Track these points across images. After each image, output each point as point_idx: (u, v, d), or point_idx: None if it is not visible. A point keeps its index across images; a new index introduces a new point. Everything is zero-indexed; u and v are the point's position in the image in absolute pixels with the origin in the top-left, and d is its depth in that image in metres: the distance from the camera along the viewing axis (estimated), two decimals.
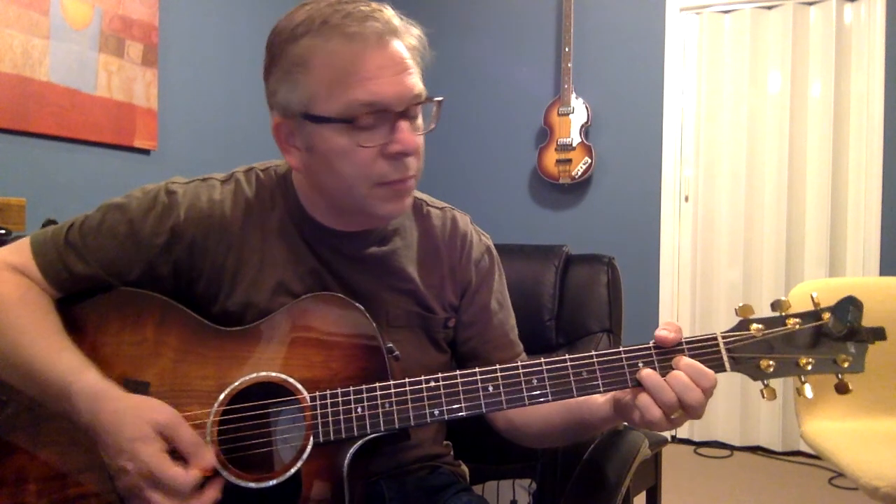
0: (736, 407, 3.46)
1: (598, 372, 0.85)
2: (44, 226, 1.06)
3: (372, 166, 0.89)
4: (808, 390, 0.84)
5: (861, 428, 1.76)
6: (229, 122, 3.22)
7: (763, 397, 0.84)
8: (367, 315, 0.91)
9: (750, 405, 3.45)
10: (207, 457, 0.83)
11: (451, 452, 1.17)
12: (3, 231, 1.90)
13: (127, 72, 2.70)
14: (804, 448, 3.26)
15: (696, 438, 3.56)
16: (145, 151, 2.83)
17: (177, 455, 0.82)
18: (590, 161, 3.65)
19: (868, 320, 0.83)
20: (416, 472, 1.08)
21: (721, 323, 3.56)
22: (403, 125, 0.88)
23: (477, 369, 0.86)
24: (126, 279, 0.96)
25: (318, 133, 0.89)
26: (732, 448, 3.49)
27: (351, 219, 0.99)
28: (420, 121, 0.93)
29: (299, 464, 0.85)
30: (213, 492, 0.83)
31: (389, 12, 0.91)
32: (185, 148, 3.00)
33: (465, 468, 1.18)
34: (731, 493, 2.96)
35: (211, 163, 2.51)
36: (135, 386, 0.89)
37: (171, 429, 0.82)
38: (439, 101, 0.93)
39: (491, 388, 0.85)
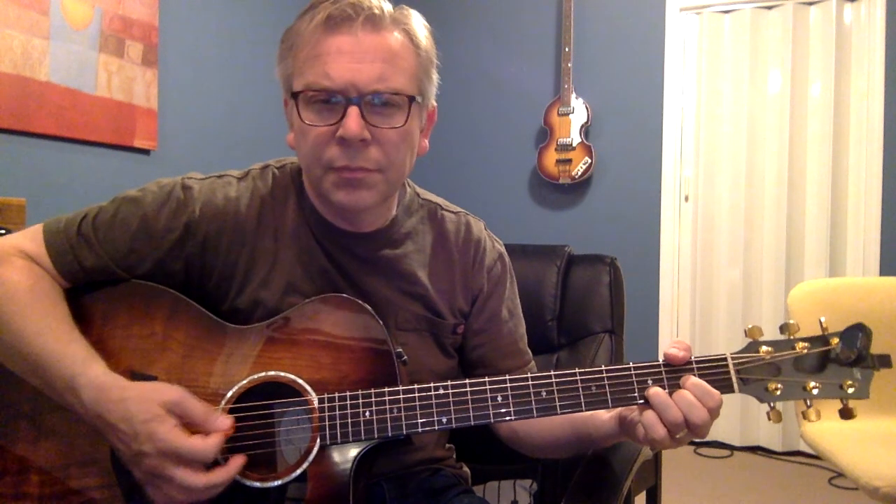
0: (736, 407, 3.46)
1: (607, 387, 0.85)
2: None
3: (323, 148, 0.90)
4: (813, 415, 0.85)
5: (861, 428, 1.76)
6: (229, 122, 3.21)
7: (769, 420, 0.85)
8: (378, 319, 0.91)
9: (750, 405, 3.45)
10: (223, 421, 0.83)
11: (454, 455, 1.17)
12: (3, 231, 1.90)
13: (127, 72, 2.70)
14: (804, 448, 3.27)
15: (696, 438, 3.56)
16: (145, 151, 2.83)
17: (193, 431, 0.82)
18: (590, 161, 3.65)
19: (868, 320, 0.84)
20: (418, 474, 1.08)
21: (721, 324, 3.57)
22: (352, 111, 0.87)
23: (486, 378, 0.86)
24: (136, 273, 0.96)
25: (293, 110, 0.92)
26: (732, 448, 3.49)
27: (338, 211, 0.98)
28: (391, 114, 0.90)
29: (305, 465, 0.85)
30: (238, 459, 0.83)
31: (381, 3, 0.91)
32: (185, 148, 2.99)
33: (467, 470, 1.18)
34: (731, 493, 2.96)
35: (211, 163, 2.51)
36: (142, 379, 0.89)
37: (179, 405, 0.82)
38: (411, 98, 0.91)
39: (500, 398, 0.85)
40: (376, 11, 0.89)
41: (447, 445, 1.16)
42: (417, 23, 0.94)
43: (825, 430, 1.76)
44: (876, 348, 0.84)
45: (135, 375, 0.89)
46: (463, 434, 1.19)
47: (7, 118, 2.31)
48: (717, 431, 3.51)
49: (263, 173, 1.03)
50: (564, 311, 1.50)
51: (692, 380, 0.83)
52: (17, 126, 2.34)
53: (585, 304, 1.49)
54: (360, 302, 0.92)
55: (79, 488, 0.88)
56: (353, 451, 0.86)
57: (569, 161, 3.67)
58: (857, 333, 0.82)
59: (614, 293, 1.48)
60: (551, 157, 3.71)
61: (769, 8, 3.47)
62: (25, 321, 0.88)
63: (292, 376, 0.88)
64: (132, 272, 0.96)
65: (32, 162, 2.42)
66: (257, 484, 0.84)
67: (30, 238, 0.96)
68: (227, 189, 0.99)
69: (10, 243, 0.95)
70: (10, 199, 2.04)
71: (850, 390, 0.83)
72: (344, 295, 0.95)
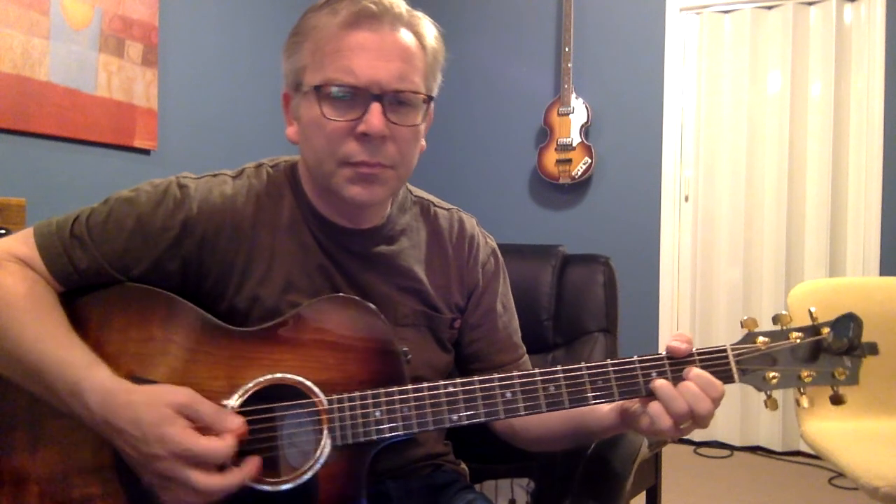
0: (736, 407, 3.46)
1: (613, 381, 0.86)
2: None
3: (340, 143, 0.90)
4: (805, 401, 0.87)
5: (861, 428, 1.76)
6: (229, 122, 3.22)
7: (766, 407, 0.87)
8: (384, 318, 0.91)
9: (750, 405, 3.44)
10: (236, 421, 0.82)
11: (452, 451, 1.17)
12: (3, 231, 1.90)
13: (127, 72, 2.70)
14: (804, 448, 3.26)
15: (696, 438, 3.56)
16: (145, 151, 2.83)
17: (205, 432, 0.80)
18: (590, 161, 3.65)
19: (868, 320, 0.85)
20: (421, 470, 1.08)
21: (721, 323, 3.57)
22: (375, 107, 0.89)
23: (496, 375, 0.87)
24: (132, 274, 0.94)
25: (303, 103, 0.93)
26: (732, 448, 3.49)
27: (339, 207, 0.98)
28: (408, 113, 0.92)
29: (318, 466, 0.84)
30: (253, 461, 0.82)
31: (401, 3, 0.93)
32: (185, 148, 3.00)
33: (464, 466, 1.18)
34: (731, 493, 2.96)
35: (211, 163, 2.50)
36: (143, 384, 0.87)
37: (190, 407, 0.80)
38: (428, 98, 0.94)
39: (509, 395, 0.86)
40: (397, 11, 0.91)
41: (444, 442, 1.16)
42: (427, 25, 0.96)
43: (825, 429, 1.76)
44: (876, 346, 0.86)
45: (135, 380, 0.86)
46: (460, 432, 1.19)
47: (7, 118, 2.31)
48: (717, 431, 3.51)
49: (258, 171, 1.02)
50: (560, 310, 1.51)
51: (695, 371, 0.84)
52: (17, 126, 2.35)
53: (580, 304, 1.50)
54: (364, 302, 0.92)
55: (81, 497, 0.86)
56: (366, 452, 0.85)
57: (569, 161, 3.67)
58: (848, 323, 0.84)
59: (608, 292, 1.50)
60: (551, 157, 3.71)
61: (769, 8, 3.47)
62: (23, 327, 0.86)
63: (300, 378, 0.87)
64: (127, 273, 0.94)
65: (32, 162, 2.42)
66: (267, 487, 0.83)
67: (21, 242, 0.94)
68: (224, 187, 0.99)
69: (2, 248, 0.93)
70: (10, 199, 2.05)
71: (842, 378, 0.86)
72: (349, 295, 0.94)
